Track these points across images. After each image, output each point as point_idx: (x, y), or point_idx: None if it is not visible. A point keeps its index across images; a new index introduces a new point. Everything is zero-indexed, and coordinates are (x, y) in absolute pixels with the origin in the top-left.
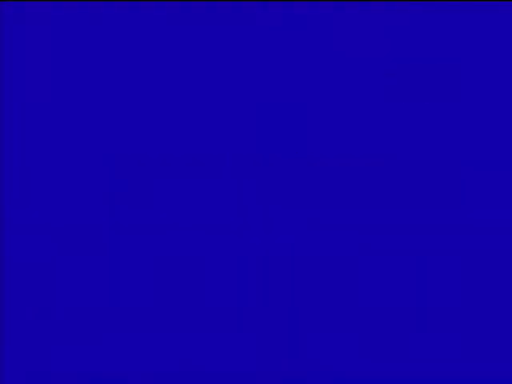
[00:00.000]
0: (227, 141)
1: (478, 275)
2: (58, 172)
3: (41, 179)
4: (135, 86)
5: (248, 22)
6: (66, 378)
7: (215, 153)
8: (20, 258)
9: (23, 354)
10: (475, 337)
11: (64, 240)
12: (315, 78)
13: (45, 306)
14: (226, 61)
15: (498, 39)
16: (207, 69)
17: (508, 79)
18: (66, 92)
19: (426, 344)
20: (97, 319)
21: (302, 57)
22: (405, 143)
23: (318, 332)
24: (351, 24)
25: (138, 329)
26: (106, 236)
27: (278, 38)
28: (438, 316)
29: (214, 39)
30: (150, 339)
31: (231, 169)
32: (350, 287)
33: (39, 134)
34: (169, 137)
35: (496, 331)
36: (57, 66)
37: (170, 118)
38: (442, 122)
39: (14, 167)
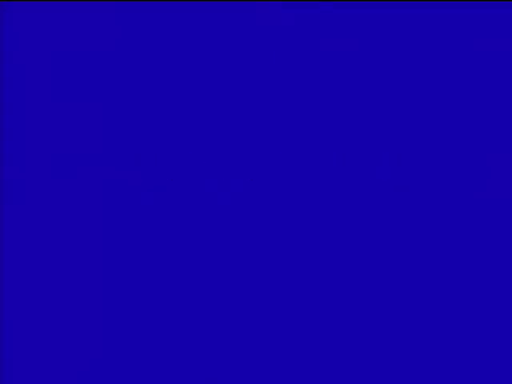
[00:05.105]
0: (226, 142)
1: (479, 276)
2: (58, 173)
3: (41, 180)
4: (135, 87)
5: (247, 22)
6: (65, 379)
7: (215, 153)
8: (20, 257)
9: (23, 355)
10: (475, 340)
11: (63, 240)
12: (314, 78)
13: (44, 306)
14: (225, 62)
15: (498, 39)
16: (207, 70)
17: (508, 80)
18: (66, 92)
19: (426, 345)
20: (96, 320)
21: (301, 57)
22: (405, 143)
23: (318, 335)
24: (351, 24)
25: (137, 328)
26: (106, 236)
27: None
28: (437, 318)
29: (214, 40)
30: (149, 340)
31: (231, 168)
32: (350, 287)
33: (39, 135)
34: (168, 138)
35: (496, 332)
36: (57, 66)
37: (170, 120)
38: (443, 122)
39: (14, 168)
